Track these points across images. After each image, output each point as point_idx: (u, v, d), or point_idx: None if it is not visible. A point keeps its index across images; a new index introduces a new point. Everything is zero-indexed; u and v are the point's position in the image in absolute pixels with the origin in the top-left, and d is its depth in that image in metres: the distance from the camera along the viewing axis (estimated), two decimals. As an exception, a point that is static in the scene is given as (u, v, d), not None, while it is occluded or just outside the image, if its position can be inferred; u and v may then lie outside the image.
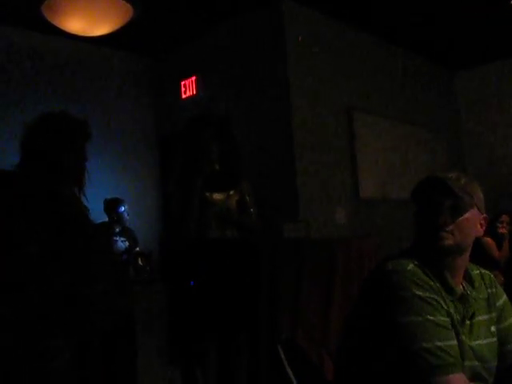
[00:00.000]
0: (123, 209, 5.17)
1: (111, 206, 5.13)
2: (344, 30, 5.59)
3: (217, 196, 3.36)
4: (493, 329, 1.66)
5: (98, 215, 4.90)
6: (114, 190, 5.24)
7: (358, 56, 5.75)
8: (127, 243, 5.18)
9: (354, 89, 5.61)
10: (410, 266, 1.55)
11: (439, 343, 1.42)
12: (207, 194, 3.32)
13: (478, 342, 1.60)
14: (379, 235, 4.87)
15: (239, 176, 3.50)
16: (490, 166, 7.08)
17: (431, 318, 1.46)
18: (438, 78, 7.21)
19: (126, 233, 5.24)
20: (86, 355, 1.97)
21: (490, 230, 5.15)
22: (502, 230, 5.39)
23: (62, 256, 1.89)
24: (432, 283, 1.54)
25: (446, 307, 1.53)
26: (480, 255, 4.82)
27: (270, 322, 3.31)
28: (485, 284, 1.73)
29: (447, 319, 1.51)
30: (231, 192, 3.40)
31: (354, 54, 5.70)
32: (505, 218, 5.48)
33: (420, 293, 1.49)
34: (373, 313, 1.55)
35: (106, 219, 5.13)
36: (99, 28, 4.61)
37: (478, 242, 1.67)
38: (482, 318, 1.65)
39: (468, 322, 1.60)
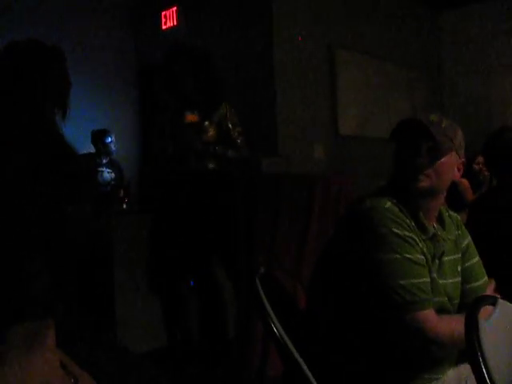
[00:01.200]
0: (110, 140, 5.17)
1: (98, 136, 5.13)
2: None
3: (193, 124, 3.36)
4: (458, 268, 1.75)
5: (79, 146, 4.89)
6: (94, 120, 5.21)
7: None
8: (113, 174, 5.21)
9: (337, 26, 5.56)
10: (388, 204, 1.60)
11: (414, 280, 1.52)
12: (184, 124, 3.33)
13: (445, 281, 1.68)
14: (356, 172, 4.94)
15: (217, 101, 3.45)
16: (468, 106, 7.13)
17: (408, 256, 1.54)
18: (421, 18, 7.13)
19: (113, 164, 5.26)
20: (65, 280, 2.02)
21: (466, 171, 5.16)
22: (483, 172, 5.36)
23: (43, 176, 1.90)
24: (408, 221, 1.60)
25: (420, 245, 1.60)
26: (451, 195, 4.90)
27: (247, 256, 3.39)
28: (453, 225, 1.80)
29: (422, 257, 1.59)
30: (206, 123, 3.38)
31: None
32: (480, 159, 5.49)
33: (398, 231, 1.55)
34: (350, 248, 1.61)
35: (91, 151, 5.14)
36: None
37: (453, 182, 1.72)
38: (450, 257, 1.72)
39: (437, 261, 1.68)
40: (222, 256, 3.48)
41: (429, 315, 1.51)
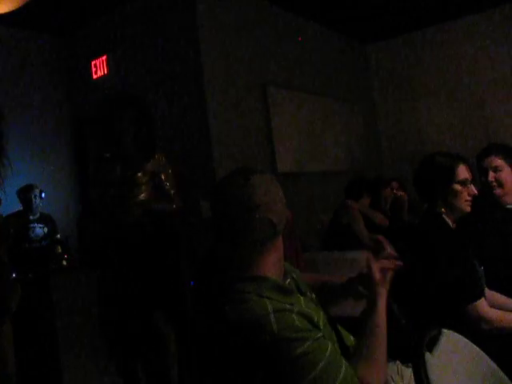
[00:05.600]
0: (34, 194, 5.03)
1: (24, 192, 4.99)
2: (257, 4, 5.58)
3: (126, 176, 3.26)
4: None
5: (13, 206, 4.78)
6: (27, 176, 5.06)
7: (273, 32, 5.76)
8: (46, 229, 5.07)
9: (268, 64, 5.61)
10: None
11: None
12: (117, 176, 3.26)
13: None
14: (296, 208, 4.94)
15: (151, 150, 3.37)
16: (400, 134, 7.36)
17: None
18: (351, 51, 7.37)
19: (44, 219, 5.12)
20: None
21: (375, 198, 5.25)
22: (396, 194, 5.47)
23: None
24: None
25: None
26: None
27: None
28: None
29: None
30: (139, 174, 3.28)
31: (268, 29, 5.69)
32: (394, 184, 5.57)
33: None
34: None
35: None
36: (2, 5, 4.38)
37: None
38: None
39: None
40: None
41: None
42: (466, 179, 2.42)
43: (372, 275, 1.64)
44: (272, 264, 1.56)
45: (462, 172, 2.42)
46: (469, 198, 2.42)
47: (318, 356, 1.37)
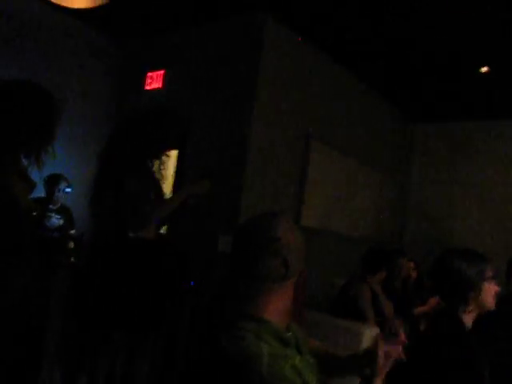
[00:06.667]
0: (61, 186, 5.05)
1: (50, 182, 5.02)
2: (317, 60, 5.65)
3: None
4: None
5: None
6: (60, 167, 5.08)
7: (330, 88, 5.83)
8: (62, 221, 5.07)
9: (315, 119, 5.65)
10: None
11: None
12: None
13: None
14: (311, 265, 4.88)
15: None
16: (428, 216, 7.33)
17: None
18: (396, 125, 7.40)
19: (63, 211, 5.13)
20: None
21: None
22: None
23: None
24: None
25: None
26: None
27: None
28: None
29: None
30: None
31: (320, 82, 5.73)
32: (412, 264, 5.54)
33: None
34: None
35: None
36: (80, 0, 4.49)
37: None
38: None
39: None
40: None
41: None
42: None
43: (377, 357, 1.63)
44: (278, 310, 1.55)
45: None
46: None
47: None
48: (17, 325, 1.97)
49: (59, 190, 5.06)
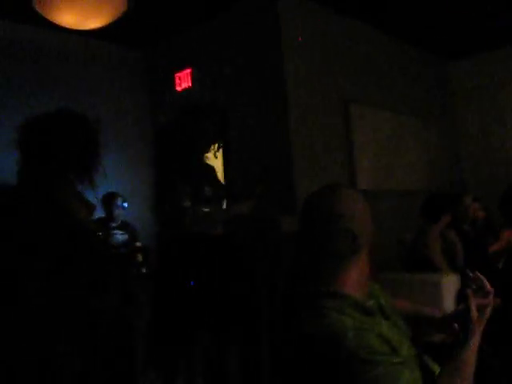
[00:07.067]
0: (118, 202, 5.17)
1: (106, 200, 5.12)
2: (339, 20, 5.55)
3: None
4: None
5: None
6: (110, 184, 5.19)
7: (353, 46, 5.72)
8: (126, 236, 5.18)
9: (350, 81, 5.58)
10: None
11: None
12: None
13: None
14: (379, 227, 4.81)
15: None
16: (484, 155, 7.11)
17: None
18: (431, 67, 7.20)
19: (125, 226, 5.24)
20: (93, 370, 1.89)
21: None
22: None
23: (67, 270, 1.82)
24: None
25: None
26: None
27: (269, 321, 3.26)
28: None
29: None
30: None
31: (348, 44, 5.65)
32: (476, 204, 5.34)
33: None
34: None
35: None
36: (93, 21, 4.53)
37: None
38: None
39: None
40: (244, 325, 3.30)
41: None
42: None
43: (470, 313, 1.55)
44: (354, 281, 1.55)
45: None
46: None
47: (389, 383, 1.34)
48: (113, 347, 2.01)
49: (117, 207, 5.18)
